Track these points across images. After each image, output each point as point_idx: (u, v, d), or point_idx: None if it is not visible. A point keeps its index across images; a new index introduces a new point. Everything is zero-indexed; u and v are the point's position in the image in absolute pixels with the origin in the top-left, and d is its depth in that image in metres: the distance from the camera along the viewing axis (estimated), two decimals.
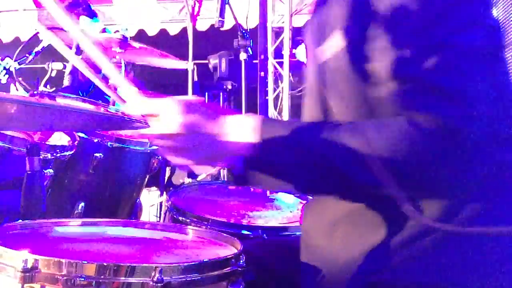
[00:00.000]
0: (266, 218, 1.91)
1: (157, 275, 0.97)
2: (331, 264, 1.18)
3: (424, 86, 1.03)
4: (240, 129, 1.13)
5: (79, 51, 2.68)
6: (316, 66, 1.22)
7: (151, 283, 0.97)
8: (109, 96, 3.13)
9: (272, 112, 6.31)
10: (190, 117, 1.12)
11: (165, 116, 1.12)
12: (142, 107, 1.15)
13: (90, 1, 4.36)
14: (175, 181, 2.55)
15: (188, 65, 5.01)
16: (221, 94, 7.69)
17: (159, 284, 0.97)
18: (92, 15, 4.38)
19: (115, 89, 1.29)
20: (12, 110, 1.06)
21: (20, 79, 2.66)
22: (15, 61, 2.61)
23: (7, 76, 2.65)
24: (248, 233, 1.70)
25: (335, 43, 1.14)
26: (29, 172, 1.39)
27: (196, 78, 5.48)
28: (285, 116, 6.15)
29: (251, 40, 3.65)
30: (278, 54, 6.22)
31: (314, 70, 1.25)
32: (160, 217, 3.05)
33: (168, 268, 1.00)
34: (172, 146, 1.13)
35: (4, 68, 2.65)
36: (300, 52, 6.53)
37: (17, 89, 2.69)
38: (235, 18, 3.54)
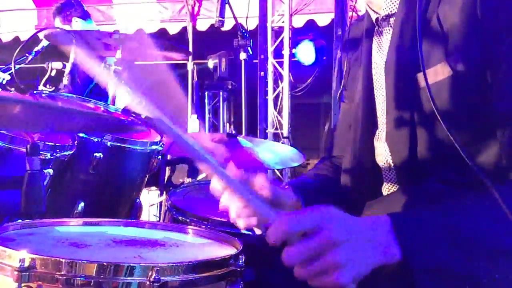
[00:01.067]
0: None
1: (154, 274, 0.97)
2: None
3: None
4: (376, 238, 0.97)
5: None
6: (413, 83, 1.18)
7: (148, 283, 0.97)
8: (107, 98, 3.14)
9: (272, 112, 6.31)
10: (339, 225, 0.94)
11: (315, 230, 0.93)
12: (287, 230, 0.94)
13: (88, 1, 4.34)
14: (175, 181, 2.55)
15: (188, 65, 5.02)
16: (221, 93, 7.71)
17: (155, 284, 0.97)
18: (86, 16, 4.37)
19: None
20: (12, 110, 1.07)
21: (12, 89, 2.67)
22: (14, 61, 2.61)
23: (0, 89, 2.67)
24: (248, 232, 1.70)
25: (454, 65, 1.12)
26: (29, 172, 1.39)
27: (196, 78, 5.49)
28: (285, 116, 6.15)
29: (251, 40, 3.65)
30: (278, 54, 6.22)
31: (403, 86, 1.21)
32: (160, 217, 3.05)
33: (165, 268, 1.00)
34: (327, 266, 0.93)
35: None
36: (300, 52, 6.54)
37: None
38: (235, 18, 3.53)
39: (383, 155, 1.32)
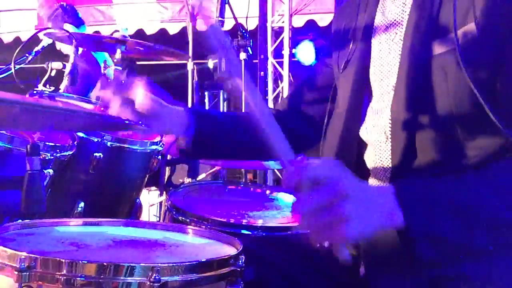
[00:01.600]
0: (266, 218, 1.91)
1: (154, 274, 0.97)
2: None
3: None
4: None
5: (77, 50, 2.68)
6: (418, 58, 1.16)
7: (148, 283, 0.97)
8: None
9: None
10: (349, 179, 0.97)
11: (326, 180, 0.95)
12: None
13: (88, 1, 4.33)
14: (175, 181, 2.55)
15: (188, 65, 5.02)
16: (221, 93, 7.70)
17: (156, 284, 0.97)
18: (79, 23, 4.35)
19: None
20: (12, 110, 1.07)
21: None
22: (14, 61, 2.61)
23: None
24: (248, 233, 1.70)
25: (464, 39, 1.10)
26: (29, 172, 1.39)
27: (196, 78, 5.49)
28: None
29: (251, 40, 3.65)
30: (278, 54, 6.22)
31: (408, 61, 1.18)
32: (160, 217, 3.05)
33: (166, 268, 1.00)
34: (334, 217, 0.94)
35: None
36: (300, 52, 6.54)
37: None
38: (235, 18, 3.53)
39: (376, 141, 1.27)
